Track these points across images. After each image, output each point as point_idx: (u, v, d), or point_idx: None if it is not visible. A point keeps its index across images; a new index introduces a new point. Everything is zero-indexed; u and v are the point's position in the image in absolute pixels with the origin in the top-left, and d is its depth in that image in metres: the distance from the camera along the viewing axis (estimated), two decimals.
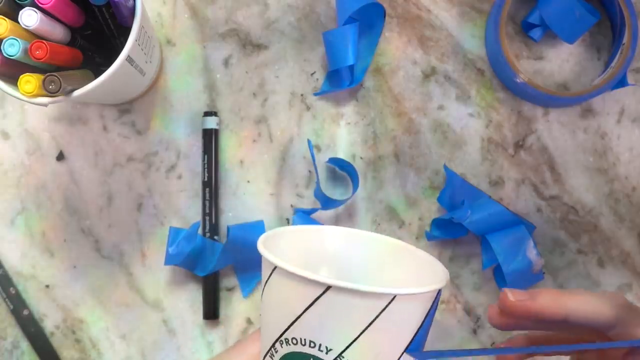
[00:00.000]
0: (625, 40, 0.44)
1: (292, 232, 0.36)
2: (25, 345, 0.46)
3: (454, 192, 0.46)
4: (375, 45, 0.47)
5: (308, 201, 0.47)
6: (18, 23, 0.34)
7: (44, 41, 0.34)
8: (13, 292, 0.46)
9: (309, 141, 0.45)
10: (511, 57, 0.45)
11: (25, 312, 0.46)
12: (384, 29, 0.47)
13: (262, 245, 0.31)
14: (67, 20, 0.37)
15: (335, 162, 0.46)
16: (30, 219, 0.47)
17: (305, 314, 0.28)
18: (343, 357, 0.28)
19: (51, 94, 0.34)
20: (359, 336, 0.27)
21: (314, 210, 0.46)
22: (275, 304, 0.30)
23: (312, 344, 0.28)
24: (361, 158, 0.47)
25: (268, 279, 0.30)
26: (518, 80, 0.45)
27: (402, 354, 0.29)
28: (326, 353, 0.28)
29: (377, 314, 0.27)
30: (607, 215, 0.47)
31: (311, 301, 0.27)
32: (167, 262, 0.44)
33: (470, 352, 0.34)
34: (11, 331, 0.46)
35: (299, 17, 0.48)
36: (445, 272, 0.33)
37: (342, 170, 0.47)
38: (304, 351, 0.28)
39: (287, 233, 0.35)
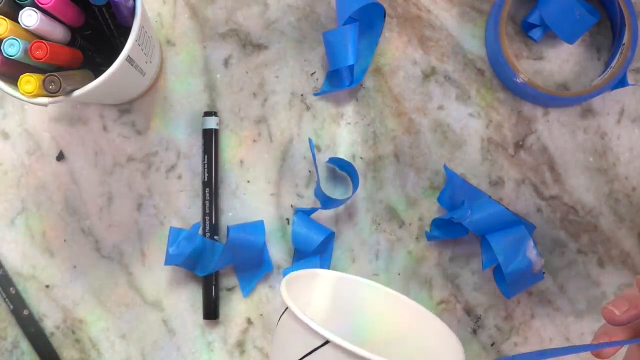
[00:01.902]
0: (625, 40, 0.44)
1: (329, 278, 0.37)
2: (25, 345, 0.46)
3: (454, 192, 0.46)
4: (375, 45, 0.47)
5: (308, 201, 0.47)
6: (18, 23, 0.34)
7: (44, 41, 0.34)
8: (13, 292, 0.46)
9: (310, 140, 0.45)
10: (511, 57, 0.45)
11: (25, 312, 0.46)
12: (384, 29, 0.47)
13: (285, 284, 0.32)
14: (67, 20, 0.37)
15: (335, 162, 0.46)
16: (30, 219, 0.47)
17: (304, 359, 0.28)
18: None
19: (51, 94, 0.34)
20: None
21: (314, 210, 0.46)
22: (282, 341, 0.31)
23: None
24: (361, 158, 0.47)
25: (282, 315, 0.31)
26: (518, 80, 0.45)
27: None
28: None
29: None
30: (607, 215, 0.47)
31: (310, 350, 0.28)
32: (167, 262, 0.44)
33: (569, 350, 0.32)
34: (11, 331, 0.46)
35: (299, 17, 0.48)
36: (460, 349, 0.33)
37: (342, 170, 0.47)
38: None
39: (324, 277, 0.37)
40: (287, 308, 0.29)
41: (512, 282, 0.43)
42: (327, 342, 0.27)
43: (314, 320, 0.29)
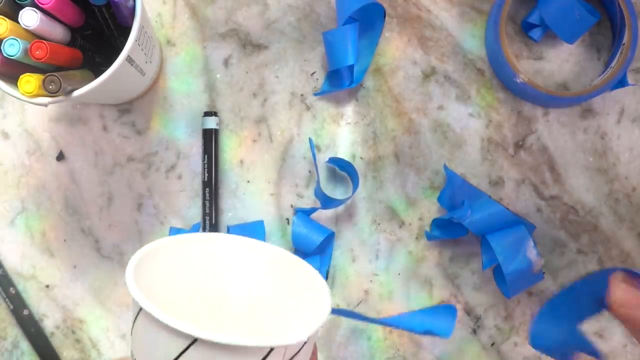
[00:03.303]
0: (625, 40, 0.44)
1: (170, 245, 0.32)
2: (25, 345, 0.46)
3: (454, 192, 0.46)
4: (375, 45, 0.47)
5: (308, 201, 0.47)
6: (18, 23, 0.34)
7: (44, 41, 0.34)
8: (13, 292, 0.46)
9: (310, 140, 0.46)
10: (511, 57, 0.45)
11: (25, 312, 0.46)
12: (384, 29, 0.47)
13: (131, 272, 0.27)
14: (67, 20, 0.37)
15: (335, 162, 0.46)
16: (30, 219, 0.47)
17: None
18: None
19: (51, 94, 0.34)
20: None
21: (314, 210, 0.46)
22: (146, 343, 0.26)
23: None
24: (361, 158, 0.47)
25: (136, 317, 0.26)
26: (518, 80, 0.45)
27: None
28: None
29: (182, 349, 0.24)
30: (607, 215, 0.47)
31: (181, 351, 0.24)
32: None
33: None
34: (11, 331, 0.46)
35: (299, 17, 0.48)
36: (327, 299, 0.30)
37: (342, 170, 0.47)
38: None
39: (164, 248, 0.32)
40: (141, 309, 0.25)
41: (512, 282, 0.43)
42: (195, 340, 0.24)
43: (171, 317, 0.24)
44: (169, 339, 0.24)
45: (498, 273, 0.46)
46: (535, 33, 0.47)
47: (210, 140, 0.46)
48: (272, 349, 0.25)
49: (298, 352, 0.27)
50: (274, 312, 0.34)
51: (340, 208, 0.47)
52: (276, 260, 0.34)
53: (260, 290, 0.34)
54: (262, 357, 0.25)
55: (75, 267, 0.47)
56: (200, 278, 0.34)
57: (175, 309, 0.32)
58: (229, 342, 0.23)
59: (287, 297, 0.33)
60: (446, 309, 0.44)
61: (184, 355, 0.24)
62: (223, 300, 0.34)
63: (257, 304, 0.34)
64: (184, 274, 0.33)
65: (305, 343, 0.27)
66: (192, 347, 0.24)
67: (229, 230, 0.44)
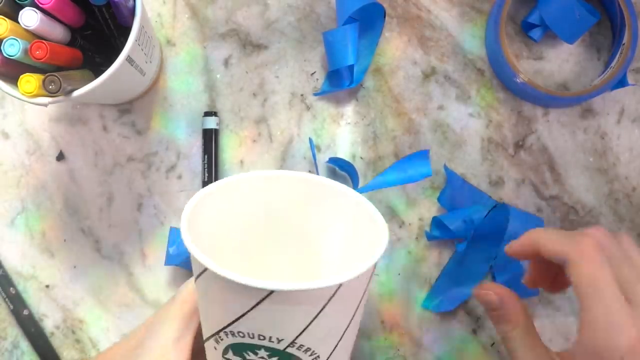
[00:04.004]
0: (625, 40, 0.44)
1: (221, 188, 0.32)
2: (25, 345, 0.46)
3: (454, 192, 0.46)
4: (375, 45, 0.47)
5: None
6: (18, 23, 0.34)
7: (44, 41, 0.34)
8: (13, 292, 0.46)
9: (310, 140, 0.46)
10: (511, 57, 0.45)
11: (25, 312, 0.46)
12: (384, 29, 0.47)
13: (187, 231, 0.27)
14: (67, 20, 0.37)
15: (336, 162, 0.46)
16: (30, 219, 0.47)
17: (248, 314, 0.26)
18: (296, 343, 0.27)
19: (51, 94, 0.34)
20: (309, 325, 0.26)
21: None
22: (213, 300, 0.27)
23: (261, 337, 0.27)
24: (361, 158, 0.47)
25: (202, 273, 0.27)
26: (518, 80, 0.45)
27: (352, 318, 0.28)
28: (278, 343, 0.27)
29: (324, 303, 0.26)
30: (607, 215, 0.47)
31: (253, 304, 0.26)
32: (167, 263, 0.44)
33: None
34: (11, 331, 0.46)
35: (299, 17, 0.48)
36: (384, 228, 0.30)
37: (342, 170, 0.47)
38: (253, 342, 0.27)
39: (216, 193, 0.32)
40: (205, 269, 0.26)
41: (509, 284, 0.43)
42: (271, 292, 0.25)
43: (237, 274, 0.25)
44: (244, 294, 0.25)
45: (497, 275, 0.46)
46: (535, 33, 0.47)
47: (210, 140, 0.46)
48: (340, 286, 0.26)
49: (365, 282, 0.28)
50: (329, 245, 0.34)
51: None
52: (329, 194, 0.34)
53: (314, 224, 0.35)
54: (332, 292, 0.26)
55: (75, 267, 0.47)
56: (254, 216, 0.34)
57: (232, 256, 0.32)
58: (303, 288, 0.25)
59: (341, 231, 0.34)
60: (417, 155, 0.44)
61: (261, 304, 0.25)
62: (278, 236, 0.35)
63: (310, 237, 0.35)
64: (237, 215, 0.33)
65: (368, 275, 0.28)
66: (268, 297, 0.25)
67: None
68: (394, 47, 0.47)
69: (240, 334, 0.27)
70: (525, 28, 0.47)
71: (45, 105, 0.36)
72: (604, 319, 0.29)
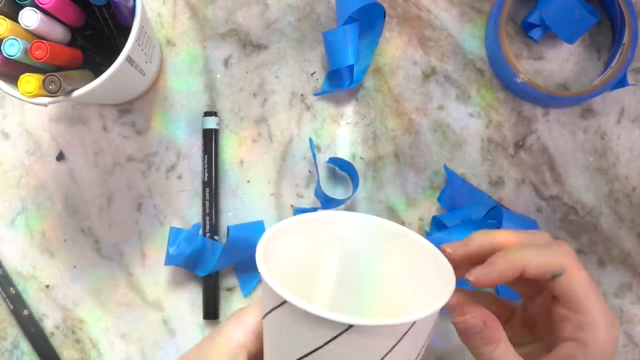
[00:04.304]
0: (625, 40, 0.44)
1: (294, 225, 0.33)
2: (25, 345, 0.46)
3: (454, 192, 0.46)
4: (375, 45, 0.47)
5: (308, 201, 0.47)
6: (18, 23, 0.34)
7: (44, 41, 0.34)
8: (13, 292, 0.46)
9: (310, 140, 0.46)
10: (511, 57, 0.45)
11: (25, 312, 0.46)
12: (384, 29, 0.47)
13: (263, 264, 0.28)
14: (67, 20, 0.37)
15: (336, 162, 0.46)
16: (30, 219, 0.47)
17: (325, 346, 0.27)
18: None
19: (51, 94, 0.34)
20: (311, 352, 0.27)
21: (314, 210, 0.46)
22: (287, 334, 0.28)
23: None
24: (361, 158, 0.47)
25: (276, 307, 0.28)
26: (518, 80, 0.45)
27: (418, 356, 0.29)
28: None
29: (397, 340, 0.27)
30: (607, 215, 0.47)
31: (330, 338, 0.26)
32: (167, 263, 0.44)
33: None
34: (11, 331, 0.46)
35: (299, 17, 0.48)
36: (451, 272, 0.31)
37: (342, 170, 0.47)
38: None
39: (289, 229, 0.33)
40: (284, 302, 0.26)
41: (504, 292, 0.44)
42: (350, 326, 0.25)
43: (319, 307, 0.26)
44: (322, 327, 0.26)
45: None
46: (535, 33, 0.47)
47: (210, 140, 0.46)
48: (414, 323, 0.26)
49: (428, 322, 0.29)
50: (395, 289, 0.35)
51: (340, 208, 0.47)
52: (396, 238, 0.35)
53: (381, 267, 0.35)
54: (406, 329, 0.27)
55: (75, 267, 0.47)
56: (323, 257, 0.35)
57: (304, 292, 0.33)
58: (382, 324, 0.25)
59: (408, 274, 0.34)
60: (524, 220, 0.44)
61: (338, 338, 0.26)
62: (345, 279, 0.35)
63: (378, 281, 0.35)
64: (306, 254, 0.34)
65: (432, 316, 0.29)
66: (346, 332, 0.25)
67: (229, 230, 0.44)
68: (394, 47, 0.47)
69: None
70: (525, 28, 0.47)
71: (45, 105, 0.36)
72: (604, 318, 0.31)
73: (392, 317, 0.26)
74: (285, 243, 0.33)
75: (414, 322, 0.26)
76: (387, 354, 0.27)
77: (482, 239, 0.33)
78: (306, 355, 0.27)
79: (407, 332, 0.27)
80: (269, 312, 0.28)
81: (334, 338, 0.26)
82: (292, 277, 0.33)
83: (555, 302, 0.32)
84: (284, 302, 0.26)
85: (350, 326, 0.25)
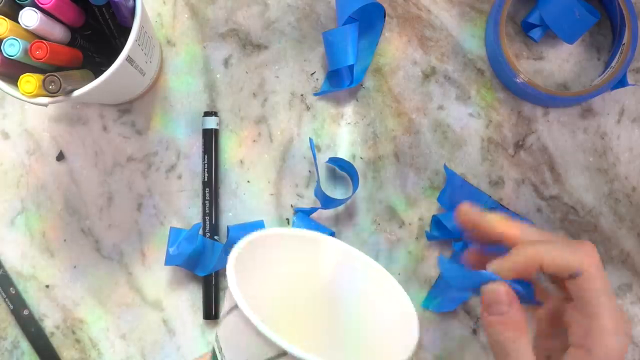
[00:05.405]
0: (625, 40, 0.44)
1: (280, 237, 0.32)
2: (25, 345, 0.46)
3: (454, 192, 0.46)
4: (375, 45, 0.47)
5: (308, 201, 0.47)
6: (18, 23, 0.34)
7: (44, 41, 0.34)
8: (13, 292, 0.46)
9: (310, 140, 0.46)
10: (511, 57, 0.45)
11: (25, 312, 0.46)
12: (384, 29, 0.47)
13: (232, 266, 0.27)
14: (67, 21, 0.37)
15: (335, 162, 0.46)
16: (30, 219, 0.47)
17: (224, 318, 0.26)
18: None
19: (51, 94, 0.34)
20: None
21: (314, 210, 0.46)
22: (236, 338, 0.27)
23: (220, 350, 0.27)
24: (361, 158, 0.47)
25: (230, 311, 0.27)
26: (518, 80, 0.45)
27: None
28: None
29: (270, 357, 0.26)
30: (607, 215, 0.47)
31: (269, 357, 0.25)
32: (167, 263, 0.44)
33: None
34: (11, 331, 0.46)
35: (299, 17, 0.48)
36: (416, 324, 0.30)
37: (342, 170, 0.47)
38: (216, 353, 0.27)
39: (273, 238, 0.32)
40: (236, 306, 0.26)
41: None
42: (285, 353, 0.25)
43: (265, 324, 0.25)
44: (260, 343, 0.25)
45: None
46: (535, 33, 0.47)
47: (210, 140, 0.46)
48: None
49: None
50: (359, 328, 0.34)
51: (340, 208, 0.47)
52: (372, 276, 0.34)
53: (350, 302, 0.35)
54: None
55: (75, 267, 0.47)
56: (296, 277, 0.34)
57: (267, 308, 0.32)
58: None
59: (374, 315, 0.34)
60: None
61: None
62: (314, 306, 0.35)
63: (345, 315, 0.35)
64: (281, 270, 0.33)
65: None
66: (281, 358, 0.25)
67: (229, 230, 0.44)
68: (394, 47, 0.47)
69: (216, 338, 0.27)
70: (525, 28, 0.47)
71: (45, 105, 0.36)
72: (613, 325, 0.30)
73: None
74: (264, 253, 0.32)
75: None
76: None
77: (528, 251, 0.32)
78: None
79: None
80: (227, 312, 0.28)
81: (273, 358, 0.25)
82: (258, 292, 0.32)
83: (570, 304, 0.32)
84: (235, 306, 0.26)
85: (285, 353, 0.25)
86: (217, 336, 0.28)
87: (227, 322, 0.27)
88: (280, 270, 0.33)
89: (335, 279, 0.35)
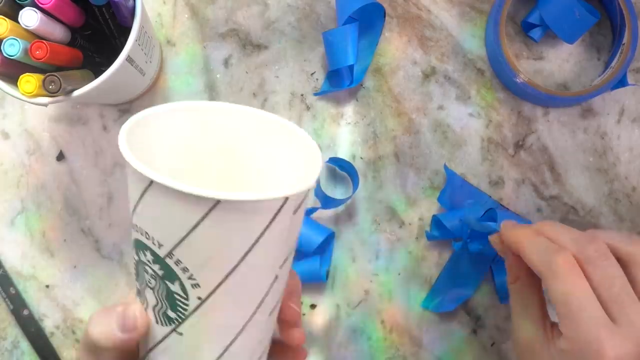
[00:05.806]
0: (625, 40, 0.44)
1: (165, 113, 0.31)
2: (25, 345, 0.46)
3: (454, 192, 0.46)
4: (375, 45, 0.47)
5: (308, 201, 0.47)
6: (18, 23, 0.34)
7: (44, 41, 0.34)
8: (13, 292, 0.46)
9: None
10: (511, 57, 0.45)
11: (25, 312, 0.46)
12: (384, 29, 0.47)
13: (126, 147, 0.26)
14: (67, 20, 0.37)
15: (336, 161, 0.46)
16: (30, 219, 0.47)
17: (139, 203, 0.26)
18: (173, 255, 0.26)
19: (51, 94, 0.34)
20: (186, 235, 0.26)
21: (314, 210, 0.46)
22: (158, 221, 0.27)
23: (147, 236, 0.27)
24: (361, 158, 0.47)
25: (144, 193, 0.27)
26: (518, 80, 0.45)
27: (241, 260, 0.27)
28: (158, 248, 0.27)
29: (202, 215, 0.25)
30: (607, 215, 0.47)
31: (201, 217, 0.25)
32: None
33: None
34: (11, 331, 0.46)
35: (299, 17, 0.48)
36: (318, 154, 0.30)
37: (342, 170, 0.47)
38: (143, 241, 0.27)
39: (154, 116, 0.31)
40: (151, 183, 0.25)
41: (504, 292, 0.44)
42: (218, 202, 0.24)
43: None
44: (188, 206, 0.25)
45: (496, 276, 0.46)
46: (535, 33, 0.47)
47: None
48: (287, 199, 0.26)
49: (300, 205, 0.28)
50: (270, 175, 0.34)
51: (340, 208, 0.47)
52: (266, 126, 0.34)
53: (258, 155, 0.34)
54: (277, 209, 0.26)
55: (75, 267, 0.47)
56: (192, 144, 0.34)
57: (172, 173, 0.32)
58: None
59: (278, 159, 0.34)
60: None
61: (206, 218, 0.25)
62: (222, 168, 0.34)
63: (255, 168, 0.34)
64: (174, 142, 0.33)
65: (305, 197, 0.28)
66: (213, 210, 0.25)
67: None
68: (394, 47, 0.47)
69: (137, 228, 0.27)
70: (525, 28, 0.47)
71: (45, 105, 0.36)
72: (584, 337, 0.30)
73: (268, 192, 0.25)
74: (154, 130, 0.31)
75: (286, 199, 0.26)
76: (261, 236, 0.26)
77: (513, 236, 0.36)
78: (180, 242, 0.26)
79: (279, 209, 0.26)
80: (138, 200, 0.27)
81: (205, 216, 0.25)
82: (162, 164, 0.31)
83: None
84: (151, 182, 0.25)
85: (218, 201, 0.24)
86: (136, 226, 0.27)
87: (144, 206, 0.27)
88: (174, 142, 0.33)
89: (233, 136, 0.34)
